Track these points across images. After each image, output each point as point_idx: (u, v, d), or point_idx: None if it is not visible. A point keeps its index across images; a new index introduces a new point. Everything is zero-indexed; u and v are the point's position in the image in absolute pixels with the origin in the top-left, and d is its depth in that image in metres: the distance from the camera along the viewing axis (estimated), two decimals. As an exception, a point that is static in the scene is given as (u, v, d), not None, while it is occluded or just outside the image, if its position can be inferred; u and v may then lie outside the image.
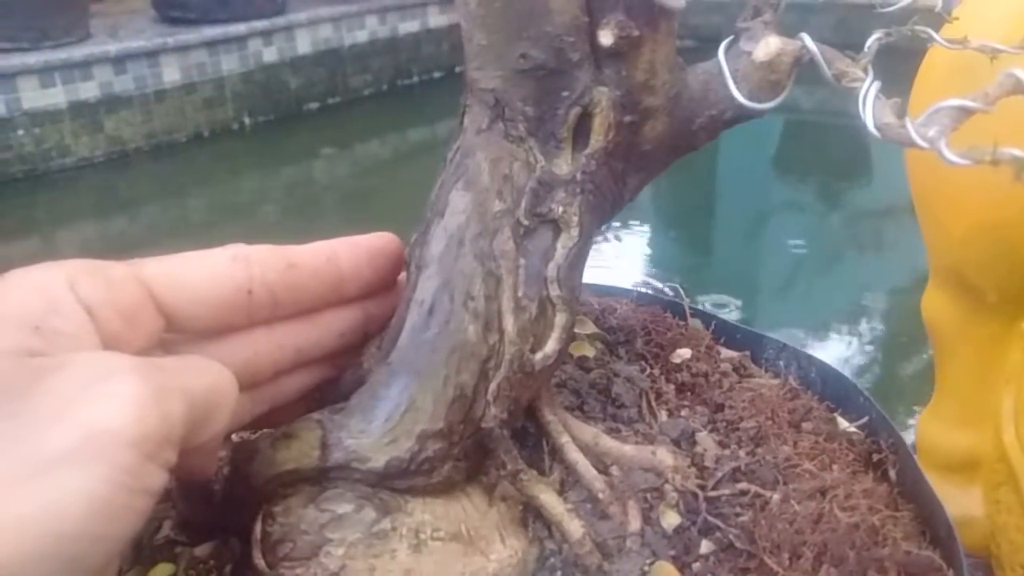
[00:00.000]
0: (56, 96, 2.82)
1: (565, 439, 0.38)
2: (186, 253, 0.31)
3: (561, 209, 0.36)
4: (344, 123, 3.85)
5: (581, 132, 0.36)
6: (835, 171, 3.30)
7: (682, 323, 0.49)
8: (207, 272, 0.31)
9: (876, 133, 0.32)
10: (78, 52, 2.94)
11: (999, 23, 0.53)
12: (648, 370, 0.45)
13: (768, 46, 0.35)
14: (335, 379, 0.38)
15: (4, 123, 2.72)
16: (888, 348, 2.12)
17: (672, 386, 0.44)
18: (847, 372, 0.47)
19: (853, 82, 0.34)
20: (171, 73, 3.05)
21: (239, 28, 3.16)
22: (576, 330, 0.43)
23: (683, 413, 0.43)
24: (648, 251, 2.82)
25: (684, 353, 0.47)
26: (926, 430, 0.71)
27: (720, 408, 0.43)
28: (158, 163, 3.09)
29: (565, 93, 0.35)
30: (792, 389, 0.45)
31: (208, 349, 0.31)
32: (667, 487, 0.37)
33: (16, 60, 2.79)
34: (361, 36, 3.84)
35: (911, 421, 0.78)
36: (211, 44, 3.09)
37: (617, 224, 2.63)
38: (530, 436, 0.39)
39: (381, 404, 0.35)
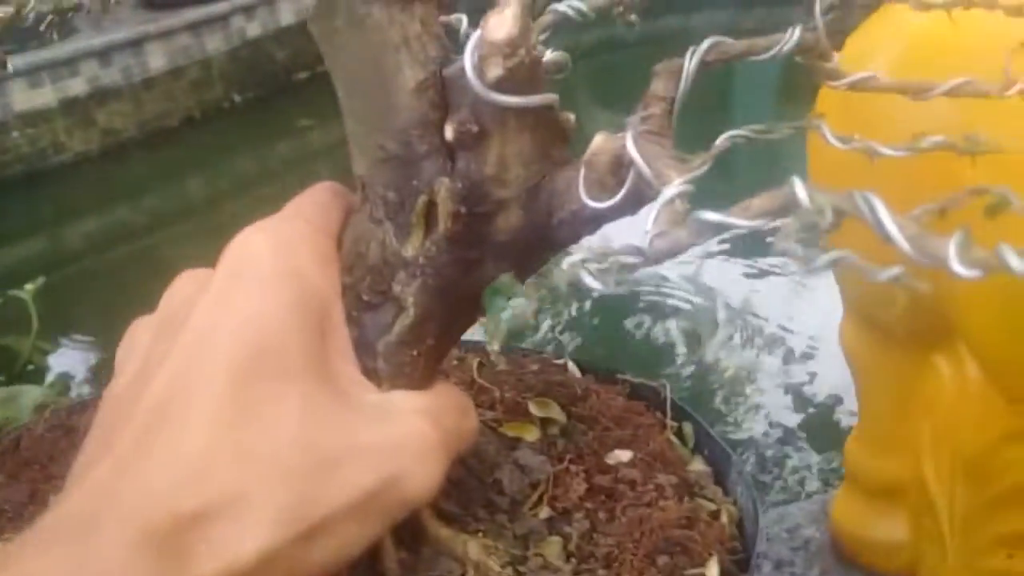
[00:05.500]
0: (46, 95, 2.85)
1: None
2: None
3: (399, 288, 0.37)
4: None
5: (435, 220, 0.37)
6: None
7: (654, 425, 0.48)
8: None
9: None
10: (63, 49, 2.96)
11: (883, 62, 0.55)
12: (567, 465, 0.46)
13: (596, 142, 0.34)
14: None
15: (-2, 127, 2.77)
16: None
17: (585, 486, 0.45)
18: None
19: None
20: (157, 60, 3.08)
21: (221, 7, 3.17)
22: (535, 412, 0.46)
23: (577, 516, 0.43)
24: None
25: (622, 455, 0.47)
26: (852, 454, 0.71)
27: (611, 520, 0.43)
28: (153, 150, 3.13)
29: (415, 182, 0.36)
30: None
31: None
32: None
33: (3, 62, 2.82)
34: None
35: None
36: (194, 26, 3.11)
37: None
38: None
39: None
